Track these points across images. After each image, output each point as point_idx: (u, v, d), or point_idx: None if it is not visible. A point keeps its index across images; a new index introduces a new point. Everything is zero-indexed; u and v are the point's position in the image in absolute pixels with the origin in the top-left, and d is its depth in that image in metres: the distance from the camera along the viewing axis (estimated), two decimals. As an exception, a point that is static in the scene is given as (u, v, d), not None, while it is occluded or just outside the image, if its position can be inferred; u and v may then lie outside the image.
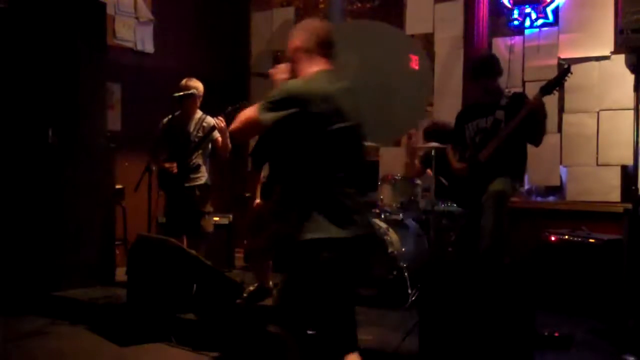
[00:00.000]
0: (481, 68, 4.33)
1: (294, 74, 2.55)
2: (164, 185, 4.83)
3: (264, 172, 4.51)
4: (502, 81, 4.60)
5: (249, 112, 2.42)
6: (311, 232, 2.31)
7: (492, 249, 3.87)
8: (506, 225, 4.00)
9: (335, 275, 2.34)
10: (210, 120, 4.76)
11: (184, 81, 4.79)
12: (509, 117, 4.04)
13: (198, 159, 4.82)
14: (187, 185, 4.77)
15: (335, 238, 2.31)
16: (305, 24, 2.59)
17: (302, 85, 2.41)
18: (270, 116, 2.35)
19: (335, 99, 2.40)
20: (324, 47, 2.53)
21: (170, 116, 4.90)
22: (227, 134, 4.64)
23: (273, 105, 2.35)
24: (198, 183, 4.81)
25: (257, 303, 4.40)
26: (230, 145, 4.74)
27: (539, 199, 5.54)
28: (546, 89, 3.96)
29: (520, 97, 4.20)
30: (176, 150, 4.77)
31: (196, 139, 4.77)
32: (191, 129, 4.80)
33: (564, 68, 4.22)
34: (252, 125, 2.43)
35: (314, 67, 2.49)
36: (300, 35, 2.53)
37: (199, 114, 4.85)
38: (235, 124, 2.47)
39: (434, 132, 5.13)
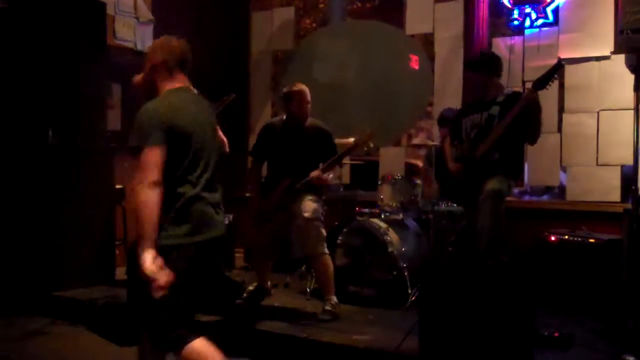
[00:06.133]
0: (480, 63, 4.32)
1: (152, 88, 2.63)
2: None
3: (264, 171, 4.52)
4: (502, 81, 4.59)
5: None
6: (164, 239, 2.42)
7: (490, 249, 3.87)
8: (504, 224, 4.00)
9: (185, 277, 2.45)
10: None
11: None
12: (503, 113, 4.03)
13: None
14: None
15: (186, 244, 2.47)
16: (166, 42, 2.66)
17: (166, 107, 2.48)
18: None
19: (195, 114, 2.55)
20: (185, 66, 2.65)
21: None
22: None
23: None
24: None
25: (257, 303, 4.40)
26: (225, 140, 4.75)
27: (539, 198, 5.54)
28: (538, 84, 3.94)
29: (518, 95, 4.19)
30: None
31: None
32: None
33: (556, 63, 4.20)
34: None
35: (175, 84, 2.60)
36: (163, 53, 2.61)
37: None
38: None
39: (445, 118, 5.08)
